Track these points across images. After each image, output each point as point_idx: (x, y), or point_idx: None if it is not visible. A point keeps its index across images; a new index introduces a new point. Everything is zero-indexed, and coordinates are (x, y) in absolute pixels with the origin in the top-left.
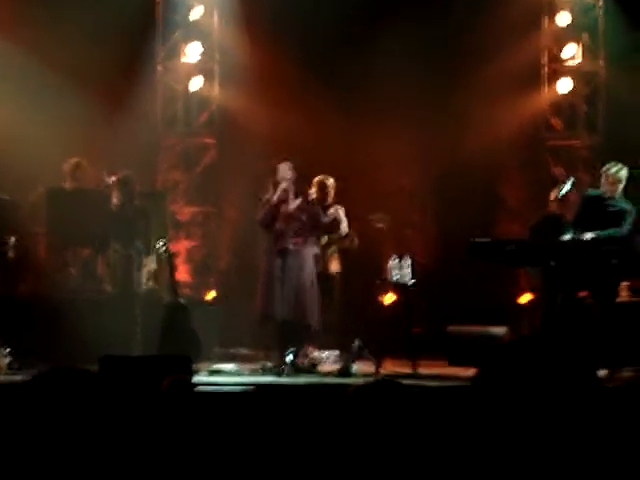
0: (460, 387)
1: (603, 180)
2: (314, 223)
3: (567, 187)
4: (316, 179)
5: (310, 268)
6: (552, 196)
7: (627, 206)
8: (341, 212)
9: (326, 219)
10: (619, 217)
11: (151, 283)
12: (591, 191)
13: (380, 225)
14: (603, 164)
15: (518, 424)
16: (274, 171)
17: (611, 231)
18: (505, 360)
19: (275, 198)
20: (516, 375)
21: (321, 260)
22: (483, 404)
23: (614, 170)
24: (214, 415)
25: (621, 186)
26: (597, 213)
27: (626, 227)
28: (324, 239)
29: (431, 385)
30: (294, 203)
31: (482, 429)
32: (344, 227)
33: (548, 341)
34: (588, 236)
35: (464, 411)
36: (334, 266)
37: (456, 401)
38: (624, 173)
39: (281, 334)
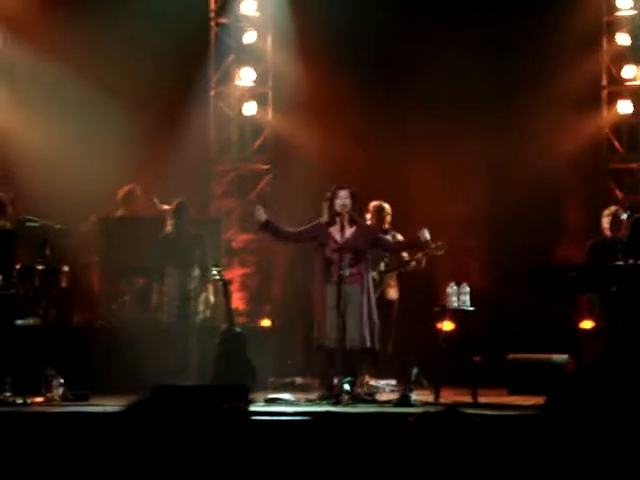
0: (522, 416)
1: None
2: (376, 240)
3: (629, 211)
4: (373, 204)
5: (370, 294)
6: (605, 220)
7: None
8: (399, 237)
9: (387, 236)
10: None
11: (208, 311)
12: (616, 213)
13: (439, 253)
14: None
15: (587, 454)
16: (332, 196)
17: None
18: (573, 389)
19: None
20: (585, 404)
21: (379, 286)
22: (552, 433)
23: None
24: (271, 444)
25: None
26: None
27: None
28: (382, 265)
29: (492, 414)
30: (349, 231)
31: (551, 459)
32: (403, 252)
33: (614, 369)
34: None
35: (530, 440)
36: (392, 293)
37: (519, 430)
38: None
39: (338, 363)
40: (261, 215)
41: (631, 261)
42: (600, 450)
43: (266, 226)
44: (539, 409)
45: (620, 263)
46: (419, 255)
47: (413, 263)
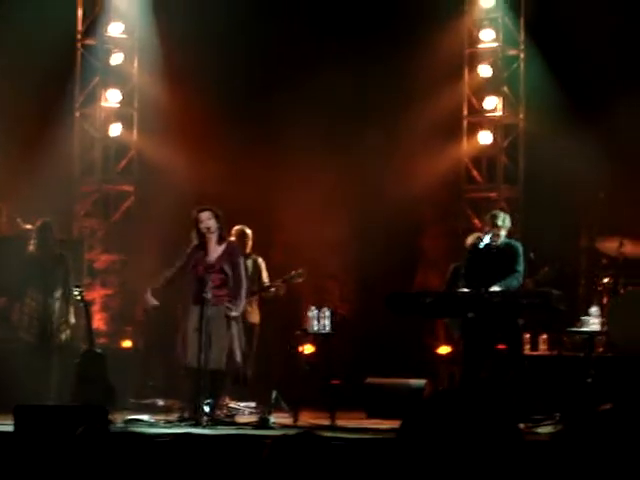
0: (379, 440)
1: (489, 229)
2: (232, 264)
3: (487, 239)
4: (235, 228)
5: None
6: (468, 246)
7: (515, 245)
8: (261, 261)
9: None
10: (510, 260)
11: (69, 332)
12: (483, 243)
13: (299, 280)
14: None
15: (442, 478)
16: (195, 221)
17: (513, 282)
18: (428, 414)
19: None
20: (439, 429)
21: None
22: (407, 457)
23: (500, 220)
24: (130, 465)
25: (504, 233)
26: (486, 261)
27: (521, 268)
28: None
29: (350, 437)
30: (217, 251)
31: None
32: (265, 277)
33: (469, 394)
34: (494, 288)
35: (386, 464)
36: (253, 317)
37: (376, 454)
38: (508, 222)
39: (197, 385)
40: (151, 301)
41: (466, 289)
42: (454, 475)
43: (163, 290)
44: (395, 433)
45: (465, 290)
46: (278, 282)
47: (272, 290)
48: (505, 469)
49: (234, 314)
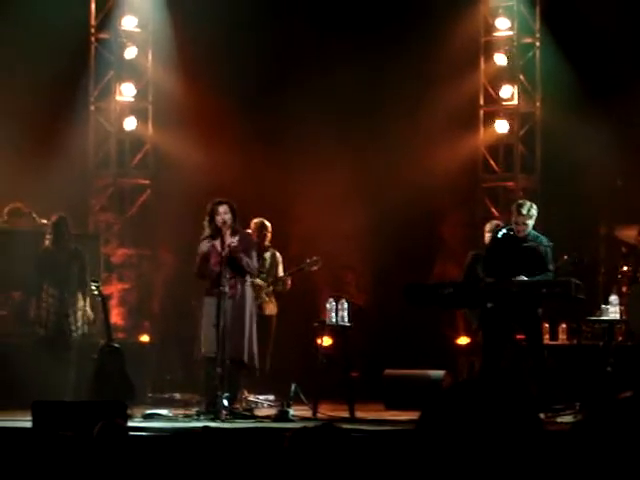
0: (398, 431)
1: (514, 218)
2: (246, 252)
3: (505, 230)
4: (255, 221)
5: (249, 309)
6: (487, 235)
7: (545, 244)
8: (278, 256)
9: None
10: (537, 255)
11: (86, 327)
12: (501, 232)
13: (314, 268)
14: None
15: (461, 470)
16: (211, 212)
17: (543, 276)
18: (447, 405)
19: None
20: (459, 420)
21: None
22: (426, 449)
23: (525, 209)
24: (149, 460)
25: (532, 223)
26: (511, 252)
27: (552, 265)
28: (258, 281)
29: (369, 429)
30: (230, 242)
31: (425, 474)
32: (280, 270)
33: (489, 385)
34: (521, 279)
35: (406, 456)
36: (270, 308)
37: (395, 445)
38: (534, 212)
39: (216, 379)
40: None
41: (490, 279)
42: (474, 466)
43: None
44: (414, 424)
45: (490, 280)
46: (286, 274)
47: (279, 285)
48: (526, 459)
49: (238, 249)
